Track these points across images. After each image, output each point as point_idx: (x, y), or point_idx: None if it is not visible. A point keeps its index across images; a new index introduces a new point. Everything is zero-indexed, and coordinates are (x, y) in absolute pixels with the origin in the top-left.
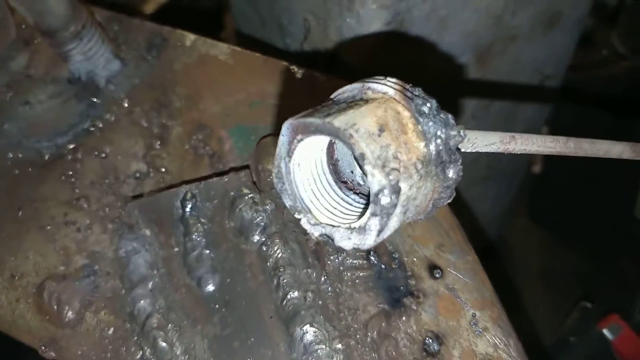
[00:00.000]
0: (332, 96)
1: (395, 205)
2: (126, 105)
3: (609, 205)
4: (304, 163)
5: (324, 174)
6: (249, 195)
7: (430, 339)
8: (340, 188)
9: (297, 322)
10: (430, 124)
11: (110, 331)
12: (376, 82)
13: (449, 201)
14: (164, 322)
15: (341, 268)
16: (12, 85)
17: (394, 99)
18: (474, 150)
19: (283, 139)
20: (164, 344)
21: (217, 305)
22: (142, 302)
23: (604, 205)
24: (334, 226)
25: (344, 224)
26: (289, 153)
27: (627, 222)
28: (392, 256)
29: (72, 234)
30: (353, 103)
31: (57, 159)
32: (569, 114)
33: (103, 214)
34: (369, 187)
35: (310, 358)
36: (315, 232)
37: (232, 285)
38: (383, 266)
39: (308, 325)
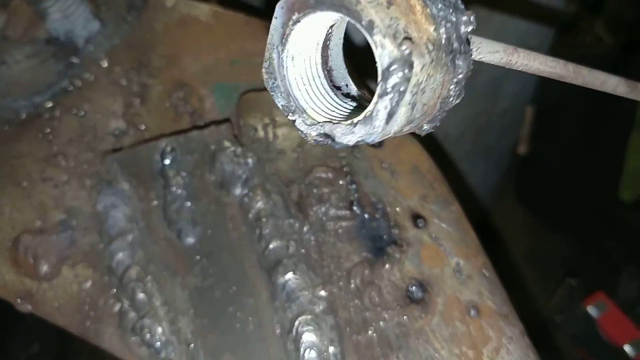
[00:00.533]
0: None
1: (408, 80)
2: (105, 65)
3: (594, 187)
4: (298, 58)
5: (319, 77)
6: (230, 149)
7: (414, 286)
8: (335, 94)
9: (280, 271)
10: (440, 5)
11: (88, 284)
12: None
13: (457, 101)
14: (143, 274)
15: (324, 218)
16: None
17: None
18: (477, 58)
19: (276, 22)
20: (142, 295)
21: (197, 257)
22: (120, 254)
23: (589, 187)
24: (333, 123)
25: (340, 119)
26: (282, 40)
27: (612, 204)
28: (375, 207)
29: (49, 190)
30: None
31: (35, 117)
32: (553, 93)
33: (81, 170)
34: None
35: (293, 305)
36: (312, 133)
37: (213, 237)
38: (366, 216)
39: (290, 273)
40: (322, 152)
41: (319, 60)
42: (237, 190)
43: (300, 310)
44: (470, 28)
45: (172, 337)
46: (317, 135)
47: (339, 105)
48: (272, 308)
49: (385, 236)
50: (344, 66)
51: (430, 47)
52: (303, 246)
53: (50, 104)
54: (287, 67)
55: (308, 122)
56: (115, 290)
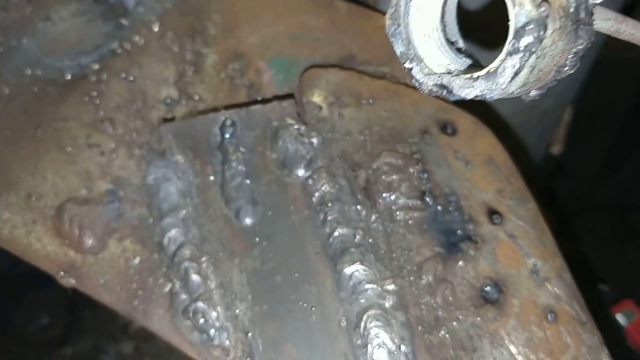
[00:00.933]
0: None
1: (540, 42)
2: (156, 29)
3: (626, 192)
4: (423, 8)
5: (437, 30)
6: (294, 126)
7: (489, 286)
8: (451, 48)
9: (346, 260)
10: None
11: (136, 261)
12: None
13: (571, 72)
14: (198, 254)
15: (393, 207)
16: (32, 0)
17: None
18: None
19: None
20: (196, 277)
21: (257, 239)
22: (172, 231)
23: (620, 192)
24: (452, 74)
25: (461, 70)
26: None
27: None
28: (449, 199)
29: (95, 157)
30: None
31: (80, 79)
32: (594, 95)
33: (130, 139)
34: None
35: (359, 297)
36: (429, 82)
37: (273, 219)
38: (439, 208)
39: (358, 263)
40: (390, 137)
41: (439, 14)
42: (300, 171)
43: (369, 304)
44: (599, 0)
45: (227, 324)
46: (433, 85)
47: (455, 59)
48: (337, 299)
49: (459, 231)
50: (456, 23)
51: (561, 13)
52: (371, 235)
53: (97, 66)
54: (411, 14)
55: (425, 72)
56: (165, 269)
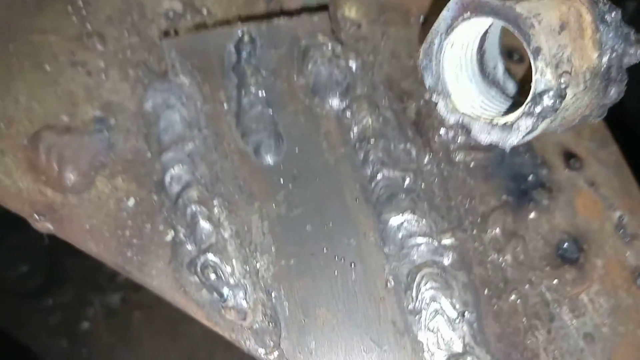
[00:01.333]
0: None
1: (555, 111)
2: None
3: None
4: (457, 45)
5: (471, 62)
6: (327, 46)
7: (567, 242)
8: (482, 80)
9: (393, 208)
10: (611, 34)
11: (130, 202)
12: None
13: (597, 120)
14: (207, 195)
15: (451, 147)
16: None
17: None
18: None
19: (447, 14)
20: (206, 224)
21: (281, 180)
22: (176, 168)
23: None
24: (472, 117)
25: (483, 117)
26: (448, 30)
27: None
28: None
29: (80, 78)
30: None
31: None
32: None
33: (123, 57)
34: (516, 86)
35: (411, 253)
36: (451, 119)
37: (302, 157)
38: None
39: (408, 212)
40: None
41: (476, 47)
42: (335, 101)
43: (422, 261)
44: (634, 61)
45: (245, 281)
46: (454, 122)
47: (486, 92)
48: (382, 254)
49: (530, 176)
50: (497, 45)
51: (587, 76)
52: (423, 179)
53: None
54: (444, 52)
55: (450, 108)
56: (167, 213)
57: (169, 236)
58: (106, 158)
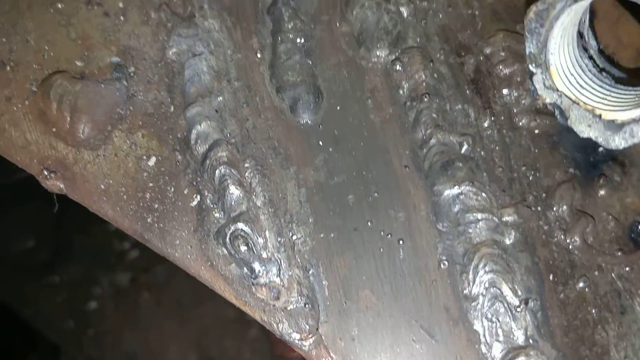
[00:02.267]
0: None
1: None
2: None
3: None
4: (572, 21)
5: (575, 37)
6: None
7: None
8: (584, 55)
9: (448, 178)
10: None
11: (151, 162)
12: None
13: None
14: (238, 157)
15: (514, 110)
16: None
17: None
18: None
19: None
20: (236, 189)
21: (320, 142)
22: (203, 124)
23: None
24: (572, 101)
25: (584, 102)
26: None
27: None
28: None
29: (96, 19)
30: None
31: None
32: None
33: None
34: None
35: (468, 230)
36: (546, 97)
37: (344, 116)
38: None
39: (466, 183)
40: (508, 13)
41: (587, 22)
42: (383, 52)
43: (481, 240)
44: None
45: (279, 255)
46: (549, 102)
47: (591, 74)
48: (435, 231)
49: (601, 148)
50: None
51: None
52: (483, 146)
53: None
54: (560, 18)
55: (547, 84)
56: (192, 175)
57: (195, 201)
58: (124, 110)
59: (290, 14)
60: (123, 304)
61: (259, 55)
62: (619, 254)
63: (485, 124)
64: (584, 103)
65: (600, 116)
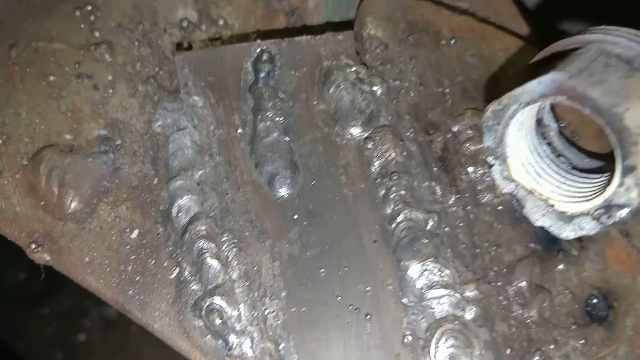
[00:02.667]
0: (590, 37)
1: (626, 223)
2: None
3: None
4: (529, 113)
5: (533, 130)
6: (351, 69)
7: (597, 298)
8: (541, 147)
9: (414, 254)
10: None
11: (134, 234)
12: None
13: None
14: (217, 230)
15: (479, 187)
16: None
17: None
18: None
19: (537, 88)
20: (214, 262)
21: (295, 216)
22: (184, 198)
23: None
24: (528, 191)
25: (539, 191)
26: (530, 102)
27: None
28: None
29: (86, 92)
30: (630, 76)
31: None
32: None
33: (132, 70)
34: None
35: (431, 306)
36: (503, 187)
37: (319, 191)
38: None
39: (431, 259)
40: (477, 91)
41: (551, 118)
42: (356, 130)
43: (443, 316)
44: None
45: (252, 328)
46: (507, 192)
47: (543, 165)
48: (401, 305)
49: None
50: (552, 113)
51: None
52: (448, 223)
53: None
54: (515, 117)
55: (504, 175)
56: (172, 248)
57: (174, 274)
58: (110, 183)
59: (270, 93)
60: (112, 336)
61: (239, 131)
62: (574, 327)
63: (451, 201)
64: (539, 193)
65: (553, 206)
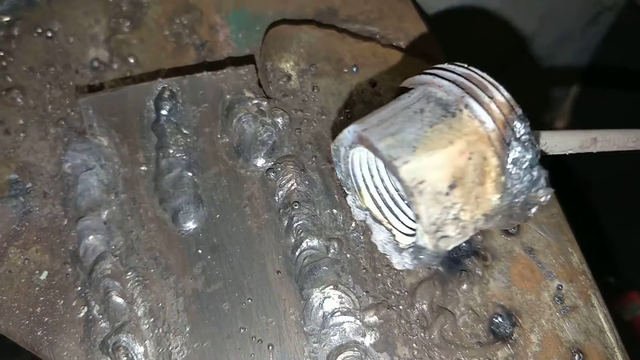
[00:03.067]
0: (415, 80)
1: (435, 259)
2: None
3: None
4: (364, 157)
5: (379, 174)
6: (254, 101)
7: (501, 316)
8: (387, 189)
9: (315, 282)
10: (517, 183)
11: (43, 276)
12: (479, 98)
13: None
14: (122, 269)
15: None
16: None
17: (489, 137)
18: (548, 152)
19: (347, 135)
20: (119, 300)
21: (200, 250)
22: (91, 237)
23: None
24: (376, 221)
25: (387, 222)
26: (351, 146)
27: None
28: None
29: None
30: (436, 124)
31: None
32: (603, 72)
33: (44, 113)
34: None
35: (332, 334)
36: (357, 215)
37: (223, 224)
38: None
39: (331, 287)
40: None
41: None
42: (260, 161)
43: (343, 343)
44: (536, 208)
45: None
46: (360, 220)
47: (392, 200)
48: (303, 334)
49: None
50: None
51: (481, 222)
52: (349, 249)
53: (6, 18)
54: (352, 156)
55: (357, 204)
56: (81, 287)
57: (82, 312)
58: (20, 227)
59: (172, 130)
60: None
61: (143, 169)
62: (478, 346)
63: (352, 227)
64: (385, 222)
65: (394, 237)
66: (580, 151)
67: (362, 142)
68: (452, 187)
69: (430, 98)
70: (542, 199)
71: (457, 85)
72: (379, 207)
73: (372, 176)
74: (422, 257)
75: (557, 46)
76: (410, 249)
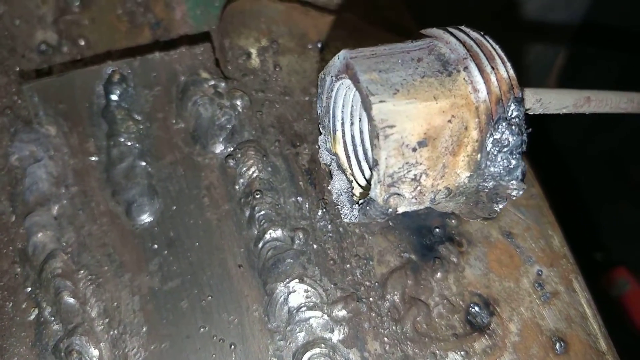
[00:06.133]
0: (427, 32)
1: (381, 215)
2: None
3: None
4: (349, 99)
5: (359, 124)
6: (210, 82)
7: (477, 305)
8: (363, 142)
9: (280, 276)
10: (491, 165)
11: None
12: (481, 65)
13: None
14: (73, 267)
15: None
16: None
17: (477, 108)
18: (540, 112)
19: (337, 62)
20: (71, 300)
21: (156, 246)
22: (40, 234)
23: (617, 155)
24: (340, 168)
25: (350, 173)
26: (338, 76)
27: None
28: None
29: None
30: (428, 76)
31: None
32: (591, 42)
33: None
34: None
35: (298, 330)
36: (324, 157)
37: (179, 217)
38: None
39: (296, 280)
40: None
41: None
42: (218, 147)
43: (311, 340)
44: (504, 203)
45: None
46: (324, 162)
47: (363, 147)
48: (267, 332)
49: (437, 229)
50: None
51: (442, 195)
52: (316, 239)
53: None
54: (337, 90)
55: (328, 146)
56: (31, 288)
57: (33, 315)
58: None
59: (123, 116)
60: None
61: (94, 159)
62: (454, 338)
63: (318, 215)
64: (350, 172)
65: (353, 189)
66: (574, 110)
67: (347, 70)
68: (421, 144)
69: (433, 51)
70: (513, 193)
71: (465, 46)
72: (347, 157)
73: (352, 123)
74: (369, 209)
75: (546, 10)
76: (363, 202)
